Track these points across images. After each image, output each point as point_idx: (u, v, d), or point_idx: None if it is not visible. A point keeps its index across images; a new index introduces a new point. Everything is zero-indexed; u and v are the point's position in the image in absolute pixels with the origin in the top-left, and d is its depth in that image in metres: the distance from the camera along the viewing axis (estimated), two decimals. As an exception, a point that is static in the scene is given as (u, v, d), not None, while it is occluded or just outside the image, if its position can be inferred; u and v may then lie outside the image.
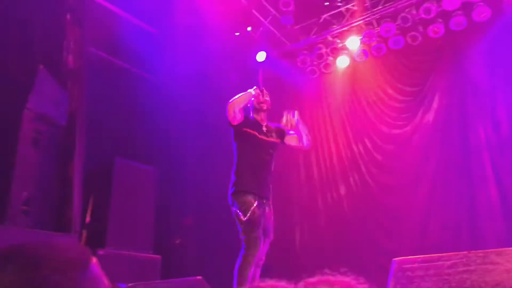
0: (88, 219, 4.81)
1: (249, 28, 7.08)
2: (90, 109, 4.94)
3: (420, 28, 6.50)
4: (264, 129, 4.00)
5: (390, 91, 7.14)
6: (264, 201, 3.83)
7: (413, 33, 6.52)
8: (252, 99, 4.00)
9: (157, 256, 5.18)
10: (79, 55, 4.37)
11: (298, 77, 7.69)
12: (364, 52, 7.02)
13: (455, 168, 6.44)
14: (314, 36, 7.26)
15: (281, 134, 4.12)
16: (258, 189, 3.81)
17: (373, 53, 7.01)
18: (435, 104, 6.74)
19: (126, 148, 5.89)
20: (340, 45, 7.15)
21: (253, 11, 6.84)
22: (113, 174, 5.03)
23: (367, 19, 6.78)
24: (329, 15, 7.04)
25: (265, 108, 4.04)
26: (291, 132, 4.04)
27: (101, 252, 4.51)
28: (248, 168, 3.85)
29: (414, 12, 6.32)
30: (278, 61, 7.62)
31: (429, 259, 2.63)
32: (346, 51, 7.19)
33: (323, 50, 7.19)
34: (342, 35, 7.12)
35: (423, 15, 6.22)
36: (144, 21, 6.50)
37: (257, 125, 3.99)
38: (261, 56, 7.25)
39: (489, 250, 2.60)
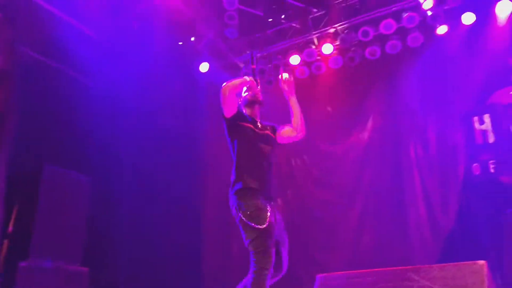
0: (10, 228, 4.53)
1: (192, 38, 7.05)
2: (21, 112, 4.69)
3: (358, 50, 6.76)
4: (259, 124, 3.56)
5: (329, 108, 7.35)
6: (272, 203, 3.29)
7: (351, 54, 6.76)
8: (244, 90, 3.61)
9: (85, 268, 4.96)
10: (9, 55, 4.14)
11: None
12: (305, 70, 7.18)
13: (387, 186, 6.70)
14: (257, 51, 7.34)
15: (274, 130, 3.68)
16: (265, 189, 3.29)
17: (313, 71, 7.19)
18: (370, 124, 7.00)
19: (58, 155, 5.61)
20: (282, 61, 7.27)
21: (198, 22, 6.82)
22: (40, 182, 4.78)
23: (308, 38, 6.95)
24: (273, 31, 7.15)
25: (260, 99, 3.62)
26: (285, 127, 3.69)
27: (23, 264, 4.25)
28: (251, 165, 3.34)
29: (353, 34, 6.56)
30: (221, 73, 7.62)
31: (352, 275, 2.70)
32: (288, 67, 7.31)
33: (266, 65, 7.29)
34: (284, 52, 7.25)
35: (361, 37, 6.47)
36: (84, 23, 6.27)
37: (251, 120, 3.54)
38: (204, 67, 7.24)
39: (408, 267, 2.71)
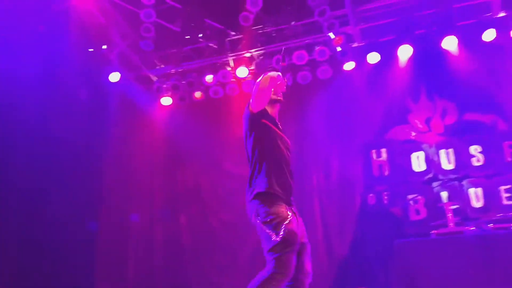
0: None
1: (104, 46, 6.78)
2: None
3: (272, 76, 6.92)
4: (280, 126, 3.29)
5: (237, 130, 7.40)
6: (293, 209, 3.07)
7: (265, 79, 6.91)
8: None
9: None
10: None
11: (151, 104, 7.56)
12: (219, 90, 7.20)
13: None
14: (171, 66, 7.25)
15: None
16: (287, 195, 3.07)
17: (228, 92, 7.23)
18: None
19: None
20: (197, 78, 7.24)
21: (112, 30, 6.58)
22: None
23: (224, 59, 7.00)
24: (189, 49, 7.11)
25: (282, 99, 3.38)
26: None
27: None
28: (274, 168, 3.08)
29: (267, 60, 6.72)
30: (133, 84, 7.41)
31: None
32: (202, 86, 7.29)
33: (180, 82, 7.21)
34: (199, 70, 7.23)
35: (274, 65, 6.63)
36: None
37: (274, 119, 3.27)
38: (114, 77, 6.99)
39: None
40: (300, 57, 6.51)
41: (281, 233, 2.83)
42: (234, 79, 7.10)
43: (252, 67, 6.88)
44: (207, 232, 7.09)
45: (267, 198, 2.97)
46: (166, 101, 7.45)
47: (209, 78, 7.08)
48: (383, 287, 6.13)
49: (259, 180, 3.04)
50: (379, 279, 6.27)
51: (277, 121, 3.30)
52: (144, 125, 7.54)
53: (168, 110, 7.65)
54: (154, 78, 7.43)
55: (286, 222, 2.86)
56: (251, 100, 3.17)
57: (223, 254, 6.91)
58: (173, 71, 7.28)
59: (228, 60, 7.04)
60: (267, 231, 2.88)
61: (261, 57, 6.81)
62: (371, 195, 6.76)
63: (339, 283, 6.51)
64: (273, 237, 2.84)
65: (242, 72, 6.89)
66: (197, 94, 7.32)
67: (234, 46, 6.95)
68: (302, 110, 7.20)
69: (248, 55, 6.90)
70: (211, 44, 6.99)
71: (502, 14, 6.14)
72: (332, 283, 6.51)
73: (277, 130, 3.20)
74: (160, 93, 7.35)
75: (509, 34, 6.10)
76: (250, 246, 6.78)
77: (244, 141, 3.24)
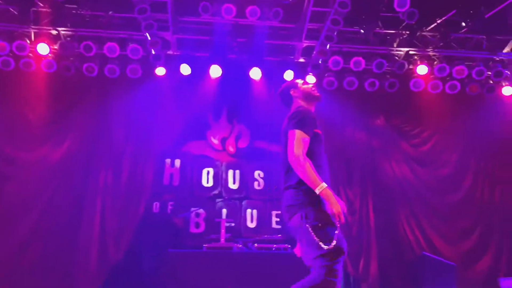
0: None
1: None
2: None
3: (76, 62, 6.45)
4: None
5: (28, 111, 6.63)
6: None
7: (68, 63, 6.41)
8: (301, 82, 3.20)
9: None
10: None
11: None
12: (11, 61, 6.34)
13: (68, 205, 6.38)
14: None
15: None
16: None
17: (21, 66, 6.41)
18: (69, 138, 6.64)
19: None
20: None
21: None
22: None
23: (25, 30, 6.23)
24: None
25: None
26: None
27: None
28: (321, 168, 2.86)
29: (75, 44, 6.23)
30: None
31: None
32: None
33: None
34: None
35: (82, 50, 6.20)
36: None
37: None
38: None
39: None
40: (111, 49, 6.20)
41: (330, 242, 2.67)
42: (31, 54, 6.35)
43: (56, 46, 6.28)
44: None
45: (316, 200, 2.76)
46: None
47: (0, 46, 6.19)
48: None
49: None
50: (149, 286, 6.24)
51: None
52: None
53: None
54: None
55: (335, 229, 2.71)
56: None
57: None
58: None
59: (29, 32, 6.28)
60: (316, 239, 2.69)
61: (68, 38, 6.28)
62: (156, 203, 6.76)
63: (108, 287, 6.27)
64: (323, 245, 2.66)
65: (43, 49, 6.22)
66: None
67: (39, 19, 6.24)
68: (103, 104, 6.85)
69: (54, 32, 6.27)
70: (11, 9, 6.15)
71: (301, 60, 6.93)
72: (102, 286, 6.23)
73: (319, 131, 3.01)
74: None
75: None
76: (16, 238, 6.07)
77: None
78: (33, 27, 6.24)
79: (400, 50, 6.69)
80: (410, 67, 6.80)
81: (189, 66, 6.70)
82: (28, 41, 6.28)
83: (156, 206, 6.75)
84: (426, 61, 6.74)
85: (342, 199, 6.32)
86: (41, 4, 6.12)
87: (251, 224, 6.92)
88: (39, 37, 6.27)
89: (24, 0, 6.01)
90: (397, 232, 7.04)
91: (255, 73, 6.79)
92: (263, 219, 6.92)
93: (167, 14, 6.13)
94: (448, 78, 6.90)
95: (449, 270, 6.29)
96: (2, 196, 6.35)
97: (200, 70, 6.82)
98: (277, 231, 6.79)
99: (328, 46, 6.32)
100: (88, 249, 6.23)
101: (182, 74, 6.75)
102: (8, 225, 6.24)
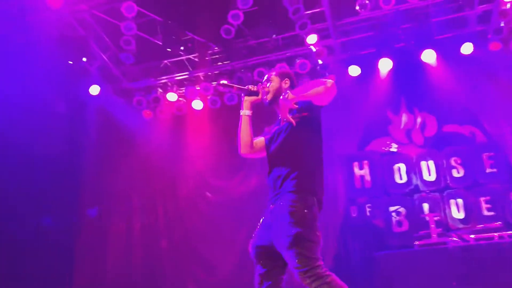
0: None
1: (84, 59, 6.68)
2: None
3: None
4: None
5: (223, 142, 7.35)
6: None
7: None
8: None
9: None
10: None
11: (131, 117, 7.45)
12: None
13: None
14: (153, 79, 7.17)
15: None
16: (321, 203, 2.76)
17: (209, 105, 7.18)
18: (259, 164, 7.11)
19: None
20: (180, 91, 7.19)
21: (91, 42, 6.50)
22: None
23: (207, 73, 6.97)
24: (170, 62, 7.06)
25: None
26: None
27: None
28: (321, 175, 2.84)
29: (249, 74, 6.70)
30: (113, 97, 7.31)
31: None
32: (183, 99, 7.25)
33: (160, 94, 7.15)
34: (181, 83, 7.18)
35: (256, 78, 6.63)
36: None
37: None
38: (94, 90, 6.89)
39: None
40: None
41: (318, 254, 2.48)
42: (214, 92, 7.06)
43: (234, 80, 6.85)
44: (187, 244, 7.02)
45: (314, 206, 2.61)
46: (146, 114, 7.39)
47: (190, 91, 7.02)
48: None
49: (308, 179, 2.70)
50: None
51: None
52: (127, 138, 7.41)
53: (148, 122, 7.56)
54: (135, 91, 7.31)
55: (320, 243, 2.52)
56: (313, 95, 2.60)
57: (203, 268, 6.83)
58: (154, 83, 7.20)
59: (210, 74, 6.99)
60: (307, 249, 2.44)
61: (243, 69, 6.80)
62: (353, 207, 6.76)
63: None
64: (313, 256, 2.44)
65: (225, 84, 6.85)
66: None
67: (216, 60, 6.93)
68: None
69: (229, 68, 6.87)
70: (191, 57, 6.95)
71: (478, 29, 6.27)
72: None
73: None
74: (140, 105, 7.24)
75: (486, 47, 6.23)
76: (230, 261, 6.71)
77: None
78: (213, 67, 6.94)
79: None
80: None
81: (358, 66, 6.64)
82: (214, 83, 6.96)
83: (353, 210, 6.75)
84: None
85: None
86: (215, 46, 6.78)
87: (458, 215, 6.41)
88: (220, 75, 6.91)
89: (202, 47, 6.73)
90: None
91: (428, 56, 6.39)
92: (470, 208, 6.35)
93: (326, 22, 6.21)
94: None
95: None
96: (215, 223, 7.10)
97: (368, 68, 6.69)
98: (490, 218, 6.15)
99: (508, 5, 5.61)
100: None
101: (352, 76, 6.71)
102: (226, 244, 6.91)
